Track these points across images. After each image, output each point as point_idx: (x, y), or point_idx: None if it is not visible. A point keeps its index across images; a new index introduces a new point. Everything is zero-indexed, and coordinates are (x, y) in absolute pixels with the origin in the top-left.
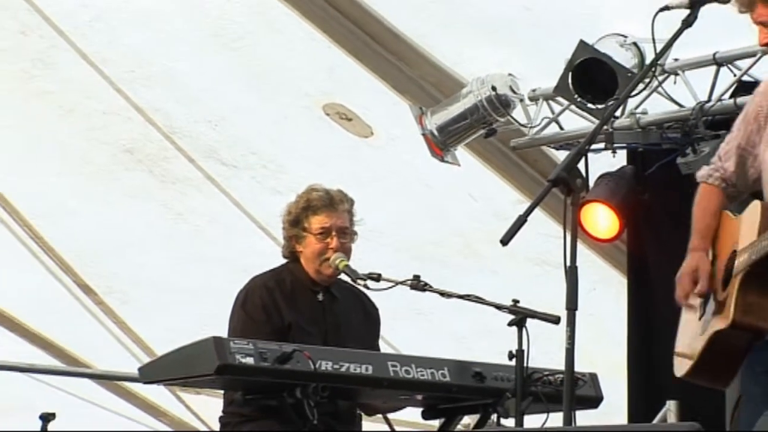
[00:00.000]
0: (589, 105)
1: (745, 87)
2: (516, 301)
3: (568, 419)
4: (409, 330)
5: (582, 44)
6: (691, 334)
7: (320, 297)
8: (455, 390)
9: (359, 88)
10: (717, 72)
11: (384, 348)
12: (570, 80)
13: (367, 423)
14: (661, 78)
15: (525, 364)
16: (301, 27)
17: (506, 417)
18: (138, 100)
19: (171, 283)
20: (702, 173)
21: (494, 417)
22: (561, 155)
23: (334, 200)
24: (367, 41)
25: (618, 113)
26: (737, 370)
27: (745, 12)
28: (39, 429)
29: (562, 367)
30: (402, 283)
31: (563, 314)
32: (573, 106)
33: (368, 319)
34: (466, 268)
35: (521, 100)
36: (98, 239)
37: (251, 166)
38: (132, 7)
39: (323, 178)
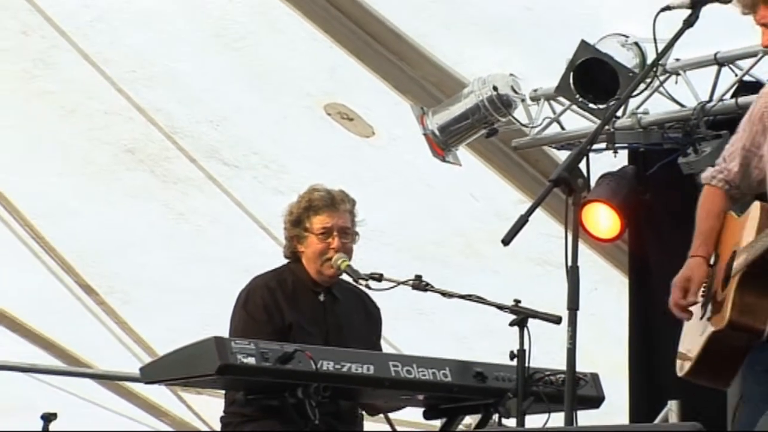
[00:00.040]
0: (591, 105)
1: (746, 87)
2: (517, 301)
3: (570, 419)
4: (411, 330)
5: (583, 44)
6: (693, 334)
7: (321, 297)
8: (457, 390)
9: (361, 88)
10: (718, 72)
11: (385, 348)
12: (571, 80)
13: (368, 423)
14: (662, 78)
15: (526, 364)
16: (302, 27)
17: (507, 417)
18: (139, 100)
19: (172, 283)
20: (706, 175)
21: (495, 417)
22: (562, 155)
23: (335, 200)
24: (369, 41)
25: (619, 113)
26: (737, 370)
27: (748, 13)
28: (40, 429)
29: (563, 367)
30: (404, 283)
31: (564, 314)
32: (574, 106)
33: (370, 319)
34: (468, 268)
35: (522, 100)
36: (100, 239)
37: (253, 166)
38: (133, 7)
39: (325, 178)
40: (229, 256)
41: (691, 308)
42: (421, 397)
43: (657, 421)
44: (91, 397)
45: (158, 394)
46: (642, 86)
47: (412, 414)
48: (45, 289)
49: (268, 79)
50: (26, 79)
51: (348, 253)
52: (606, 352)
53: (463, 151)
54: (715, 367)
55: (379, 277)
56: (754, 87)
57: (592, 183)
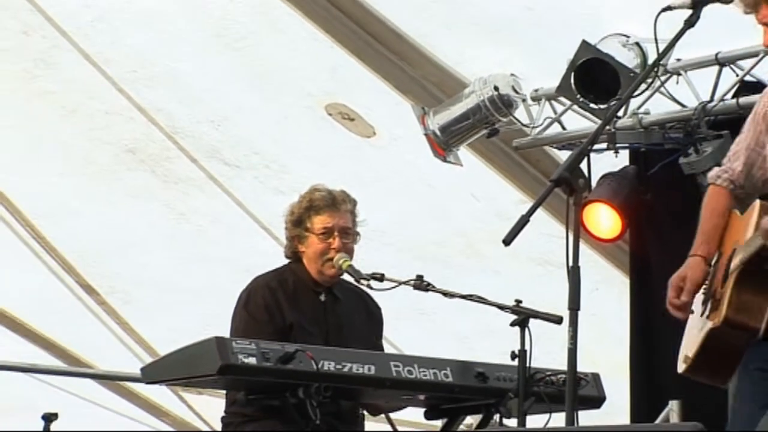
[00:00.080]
0: (592, 105)
1: (747, 87)
2: (518, 301)
3: (571, 419)
4: (412, 330)
5: (584, 44)
6: (694, 331)
7: (322, 297)
8: (458, 390)
9: (362, 88)
10: (719, 72)
11: (387, 348)
12: (572, 80)
13: (369, 423)
14: (663, 78)
15: (527, 364)
16: (303, 27)
17: (509, 417)
18: (140, 100)
19: (173, 283)
20: (711, 174)
21: (497, 417)
22: (563, 155)
23: (336, 200)
24: (370, 41)
25: (620, 113)
26: (735, 367)
27: (750, 13)
28: (41, 429)
29: (564, 367)
30: (405, 283)
31: (566, 314)
32: (575, 106)
33: (371, 319)
34: (469, 268)
35: (523, 100)
36: (100, 239)
37: (254, 166)
38: (134, 7)
39: (326, 178)
40: (230, 256)
41: (693, 306)
42: (422, 397)
43: (658, 421)
44: (92, 398)
45: (159, 394)
46: (643, 86)
47: (414, 414)
48: (46, 289)
49: (269, 79)
50: (27, 79)
51: (349, 253)
52: (607, 352)
53: (464, 151)
54: (712, 364)
55: (380, 277)
56: (756, 87)
57: (593, 183)
